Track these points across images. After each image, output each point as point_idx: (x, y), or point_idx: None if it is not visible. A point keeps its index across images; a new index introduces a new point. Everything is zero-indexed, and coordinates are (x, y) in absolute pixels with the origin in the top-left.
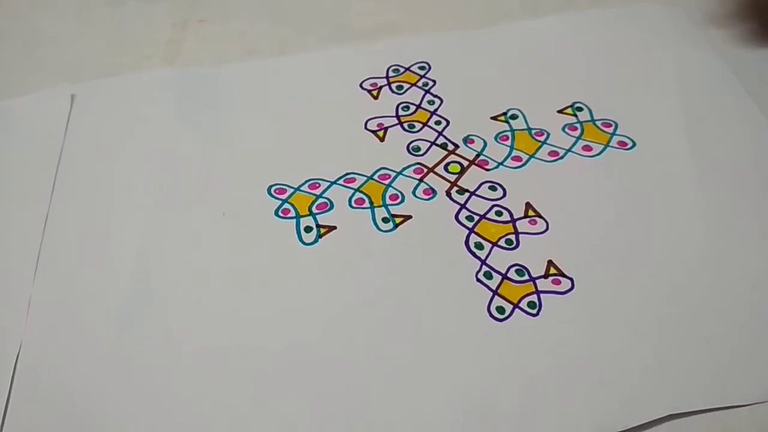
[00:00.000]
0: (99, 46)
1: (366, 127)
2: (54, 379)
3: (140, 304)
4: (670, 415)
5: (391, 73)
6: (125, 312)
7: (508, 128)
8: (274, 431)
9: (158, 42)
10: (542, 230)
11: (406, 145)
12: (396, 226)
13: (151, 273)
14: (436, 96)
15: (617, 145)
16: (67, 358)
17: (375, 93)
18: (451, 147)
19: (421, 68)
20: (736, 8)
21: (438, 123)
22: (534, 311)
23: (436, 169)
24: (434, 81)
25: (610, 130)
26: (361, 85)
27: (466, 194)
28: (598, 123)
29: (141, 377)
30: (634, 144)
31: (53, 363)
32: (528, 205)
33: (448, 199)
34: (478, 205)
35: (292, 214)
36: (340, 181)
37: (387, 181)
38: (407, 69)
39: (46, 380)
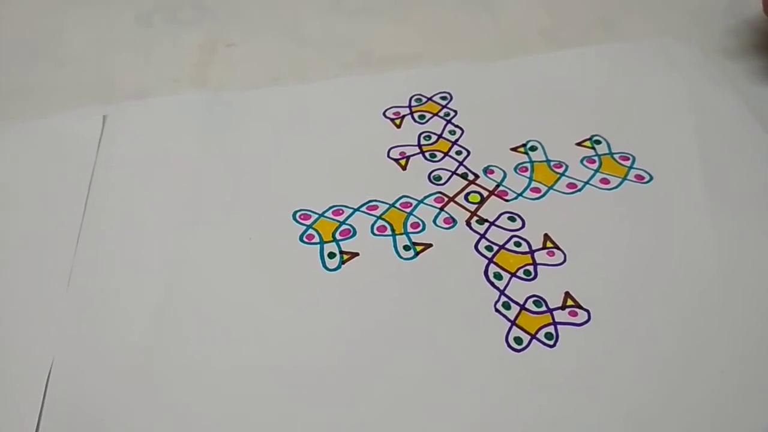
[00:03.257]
0: (128, 66)
1: (389, 156)
2: (83, 395)
3: (167, 325)
4: None
5: (413, 103)
6: (152, 331)
7: (527, 159)
8: None
9: (186, 65)
10: (560, 262)
11: (427, 174)
12: (417, 254)
13: (179, 294)
14: (457, 126)
15: (634, 179)
16: (96, 377)
17: (398, 122)
18: (471, 177)
19: (443, 98)
20: (751, 43)
21: (459, 153)
22: (551, 342)
23: (456, 199)
24: (456, 111)
25: (628, 163)
26: (384, 114)
27: (486, 224)
28: (616, 156)
29: (166, 396)
30: (651, 178)
31: (83, 379)
32: (546, 237)
33: (467, 228)
34: (497, 236)
35: (317, 239)
36: (363, 208)
37: (408, 209)
38: (429, 99)
39: (76, 396)
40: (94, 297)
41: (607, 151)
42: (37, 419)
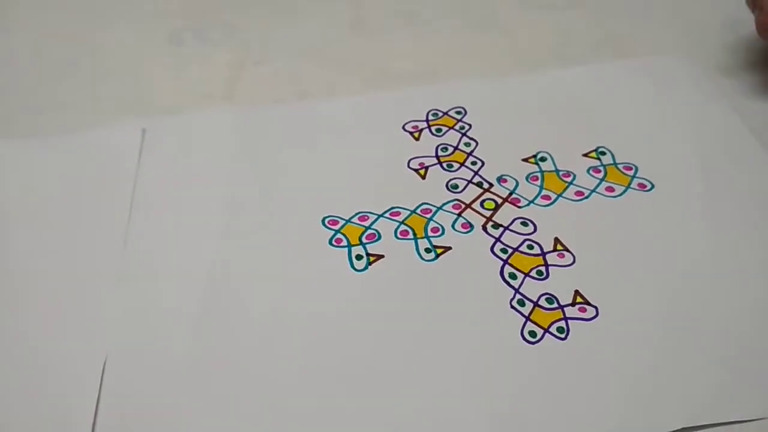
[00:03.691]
0: (162, 83)
1: (408, 166)
2: (135, 389)
3: (209, 323)
4: (685, 428)
5: (430, 117)
6: (196, 329)
7: (537, 169)
8: None
9: (217, 81)
10: (569, 263)
11: (445, 183)
12: (437, 256)
13: (219, 295)
14: (471, 138)
15: (637, 187)
16: (145, 373)
17: (416, 135)
18: (486, 185)
19: (458, 113)
20: (747, 60)
21: (474, 163)
22: (563, 335)
23: (472, 206)
24: (470, 125)
25: (631, 173)
26: (403, 127)
27: (500, 229)
28: (620, 166)
29: (211, 391)
30: (653, 186)
31: (134, 375)
32: (556, 240)
33: (484, 232)
34: (511, 239)
35: (344, 243)
36: (387, 214)
37: (428, 215)
38: (445, 113)
39: (129, 391)
40: (140, 299)
41: (611, 162)
42: (93, 414)
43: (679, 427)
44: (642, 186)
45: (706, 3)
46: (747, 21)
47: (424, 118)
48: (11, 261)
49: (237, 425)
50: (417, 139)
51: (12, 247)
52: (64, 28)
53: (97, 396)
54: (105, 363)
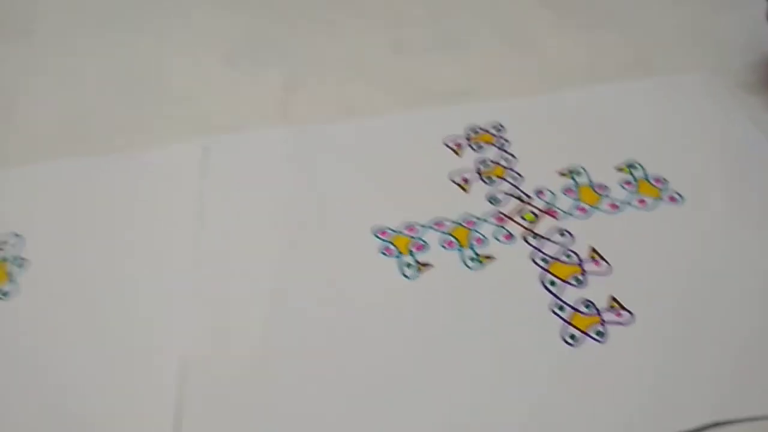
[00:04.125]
0: (219, 103)
1: (451, 180)
2: (212, 386)
3: (274, 326)
4: (716, 423)
5: (470, 133)
6: (263, 331)
7: (573, 183)
8: None
9: (270, 101)
10: (605, 271)
11: (486, 195)
12: (481, 265)
13: (283, 299)
14: (510, 154)
15: (668, 200)
16: (220, 371)
17: (457, 150)
18: (525, 198)
19: (496, 129)
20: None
21: (513, 177)
22: (601, 339)
23: (513, 217)
24: (508, 140)
25: (662, 186)
26: (444, 143)
27: (540, 239)
28: (651, 180)
29: (278, 388)
30: (683, 199)
31: (209, 374)
32: (592, 250)
33: (524, 242)
34: (550, 249)
35: (394, 252)
36: (432, 226)
37: (472, 227)
38: (484, 129)
39: (205, 387)
40: (212, 304)
41: (642, 175)
42: (174, 408)
43: (709, 422)
44: (672, 199)
45: (729, 23)
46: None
47: (464, 134)
48: (89, 271)
49: (302, 422)
50: (458, 154)
51: (90, 258)
52: (126, 51)
53: (175, 396)
54: (182, 367)
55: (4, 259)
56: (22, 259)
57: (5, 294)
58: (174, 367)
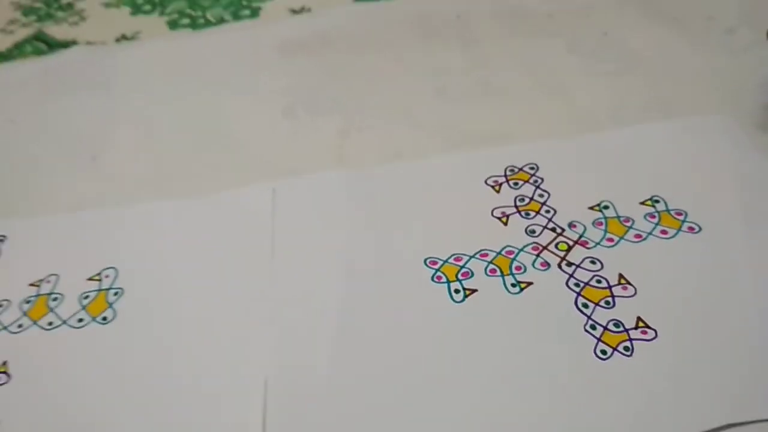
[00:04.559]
0: (282, 149)
1: (492, 215)
2: (294, 404)
3: (345, 350)
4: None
5: (508, 172)
6: (333, 354)
7: (602, 216)
8: None
9: (327, 147)
10: (632, 294)
11: (524, 228)
12: (521, 290)
13: (349, 326)
14: (544, 190)
15: (687, 230)
16: (300, 390)
17: (497, 188)
18: (559, 230)
19: (532, 168)
20: None
21: (548, 212)
22: (628, 353)
23: (548, 247)
24: (542, 178)
25: (682, 218)
26: (485, 182)
27: (573, 266)
28: (672, 212)
29: (353, 405)
30: (701, 229)
31: (290, 393)
32: (620, 275)
33: (559, 270)
34: (582, 275)
35: (444, 280)
36: (477, 256)
37: (512, 256)
38: (520, 169)
39: (289, 405)
40: (287, 331)
41: (664, 209)
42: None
43: (725, 423)
44: (691, 229)
45: (744, 67)
46: None
47: (503, 174)
48: (177, 299)
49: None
50: (498, 191)
51: (177, 287)
52: (197, 104)
53: (262, 413)
54: (266, 385)
55: (103, 290)
56: (119, 288)
57: (105, 319)
58: (259, 385)
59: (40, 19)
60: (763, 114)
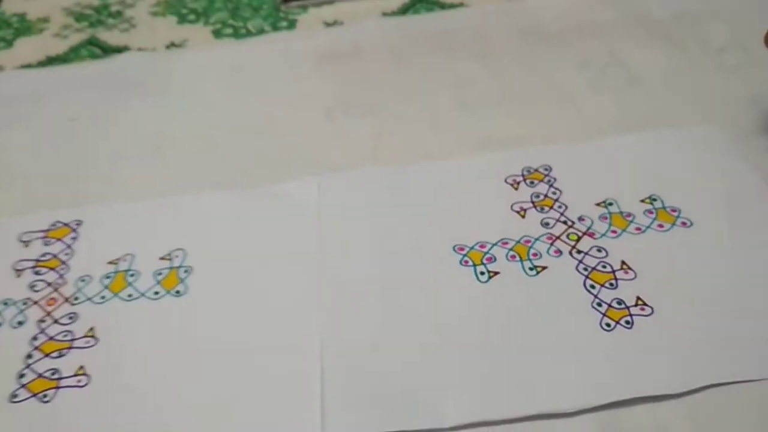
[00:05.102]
0: (323, 148)
1: (512, 209)
2: (351, 362)
3: (386, 322)
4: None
5: (525, 172)
6: (381, 325)
7: (607, 212)
8: None
9: (364, 147)
10: (632, 278)
11: (539, 221)
12: (538, 273)
13: (391, 299)
14: (557, 189)
15: (680, 225)
16: (350, 350)
17: (515, 186)
18: (570, 223)
19: (546, 169)
20: None
21: (560, 207)
22: (629, 326)
23: (561, 237)
24: (555, 178)
25: (676, 214)
26: (505, 180)
27: (582, 254)
28: (668, 209)
29: (395, 368)
30: (692, 224)
31: (342, 351)
32: (622, 262)
33: (570, 256)
34: (590, 261)
35: (471, 263)
36: (499, 244)
37: (529, 244)
38: (536, 170)
39: (343, 363)
40: (339, 299)
41: (661, 206)
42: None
43: (709, 383)
44: (684, 224)
45: (733, 84)
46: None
47: (520, 173)
48: (238, 275)
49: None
50: (516, 189)
51: (238, 264)
52: (246, 107)
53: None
54: (322, 346)
55: (174, 267)
56: (188, 266)
57: (178, 293)
58: (316, 347)
59: (92, 25)
60: (751, 123)
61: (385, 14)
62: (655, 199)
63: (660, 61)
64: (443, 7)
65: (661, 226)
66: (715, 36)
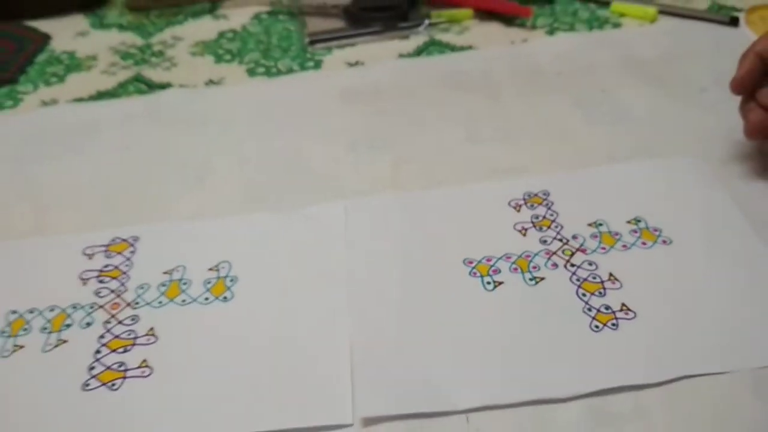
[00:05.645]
0: (348, 175)
1: (514, 228)
2: (377, 362)
3: (405, 320)
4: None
5: (525, 197)
6: (398, 323)
7: (597, 231)
8: None
9: (383, 174)
10: (618, 287)
11: (538, 239)
12: (537, 283)
13: (413, 302)
14: (554, 211)
15: (662, 243)
16: (375, 350)
17: (517, 209)
18: (564, 240)
19: (544, 194)
20: (743, 154)
21: (556, 227)
22: (615, 328)
23: (557, 253)
24: (553, 202)
25: (658, 233)
26: (508, 204)
27: (575, 267)
28: (651, 229)
29: (414, 363)
30: (672, 242)
31: (371, 352)
32: (610, 274)
33: (565, 269)
34: (582, 273)
35: (478, 275)
36: (503, 258)
37: (529, 259)
38: (536, 194)
39: (372, 362)
40: (364, 305)
41: (645, 226)
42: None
43: (682, 375)
44: (665, 242)
45: (712, 120)
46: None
47: (522, 198)
48: (276, 285)
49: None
50: (518, 211)
51: (275, 276)
52: (278, 140)
53: (350, 365)
54: (351, 345)
55: (221, 277)
56: (234, 276)
57: (225, 299)
58: (345, 345)
59: (137, 63)
60: (726, 153)
61: (401, 56)
62: (639, 221)
63: (647, 98)
64: (453, 49)
65: (644, 243)
66: (697, 77)
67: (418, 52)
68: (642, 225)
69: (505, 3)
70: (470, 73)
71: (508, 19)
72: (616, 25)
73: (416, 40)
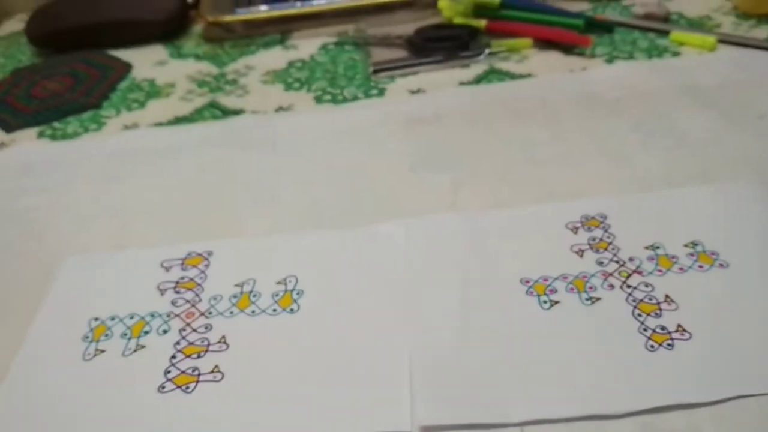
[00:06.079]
0: (409, 197)
1: (571, 250)
2: (435, 369)
3: (464, 337)
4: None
5: (583, 219)
6: (458, 340)
7: (654, 254)
8: None
9: (444, 195)
10: (674, 308)
11: (595, 260)
12: (593, 303)
13: (467, 321)
14: (611, 233)
15: (719, 266)
16: (435, 358)
17: (575, 231)
18: (621, 263)
19: (602, 217)
20: None
21: (613, 249)
22: (670, 348)
23: (613, 274)
24: (610, 225)
25: (715, 257)
26: (566, 226)
27: (631, 288)
28: (708, 252)
29: (471, 380)
30: (729, 265)
31: (428, 358)
32: (666, 296)
33: (621, 290)
34: (638, 294)
35: (535, 294)
36: (560, 278)
37: (586, 280)
38: (593, 217)
39: (431, 371)
40: (424, 320)
41: (702, 250)
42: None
43: (735, 395)
44: (721, 265)
45: None
46: None
47: (579, 220)
48: (339, 297)
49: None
50: (575, 233)
51: (338, 290)
52: (343, 162)
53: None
54: (410, 360)
55: (289, 290)
56: (300, 289)
57: (292, 311)
58: (405, 360)
59: (212, 90)
60: None
61: (461, 84)
62: (696, 244)
63: (705, 124)
64: (513, 77)
65: (701, 266)
66: (755, 104)
67: (478, 80)
68: (699, 249)
69: (565, 32)
70: (529, 99)
71: (567, 48)
72: (675, 54)
73: (476, 68)
